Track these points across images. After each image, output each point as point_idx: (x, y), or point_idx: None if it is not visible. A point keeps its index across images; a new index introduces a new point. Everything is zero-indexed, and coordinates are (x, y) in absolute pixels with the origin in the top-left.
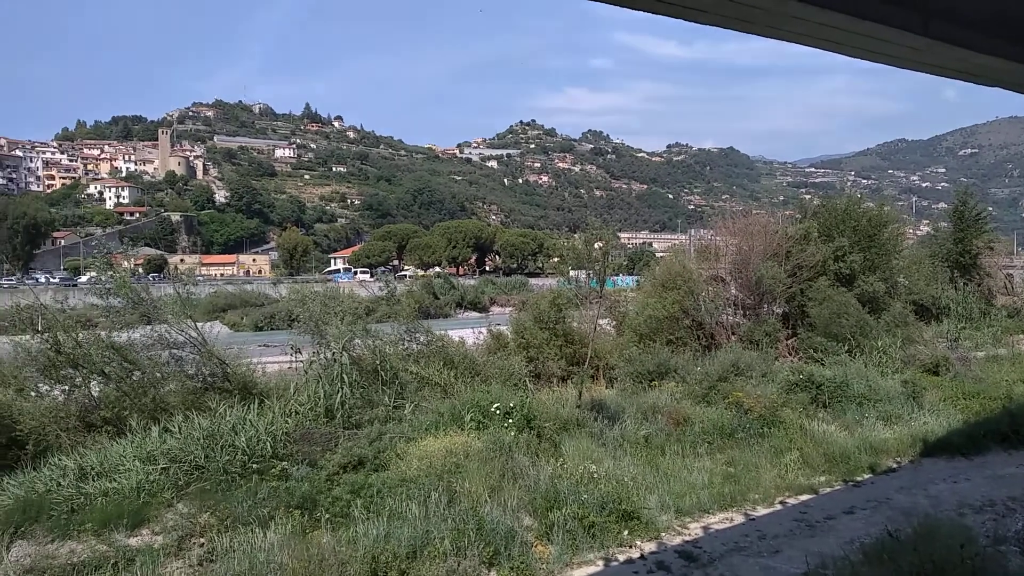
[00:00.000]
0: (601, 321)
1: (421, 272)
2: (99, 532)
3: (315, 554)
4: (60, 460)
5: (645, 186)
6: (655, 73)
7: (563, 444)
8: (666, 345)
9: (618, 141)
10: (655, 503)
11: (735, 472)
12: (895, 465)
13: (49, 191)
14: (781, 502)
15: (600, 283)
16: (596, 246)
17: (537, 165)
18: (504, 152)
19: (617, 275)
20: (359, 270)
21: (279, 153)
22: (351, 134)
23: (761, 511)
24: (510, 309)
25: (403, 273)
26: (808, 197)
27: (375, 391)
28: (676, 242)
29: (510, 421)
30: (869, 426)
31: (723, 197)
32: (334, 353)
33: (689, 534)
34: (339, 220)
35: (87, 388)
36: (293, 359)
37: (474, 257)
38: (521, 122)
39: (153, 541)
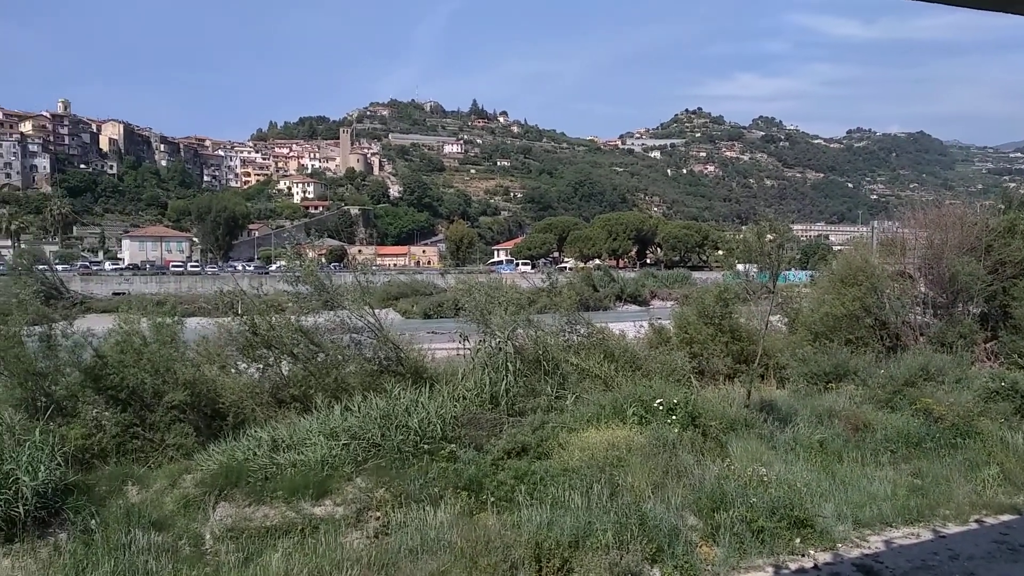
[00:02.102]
0: (772, 318)
1: (581, 264)
2: (288, 500)
3: (481, 535)
4: (256, 432)
5: (821, 175)
6: (833, 54)
7: (730, 444)
8: (844, 345)
9: (792, 127)
10: (831, 512)
11: (922, 485)
12: None
13: (245, 187)
14: (977, 520)
15: (772, 278)
16: (767, 238)
17: (702, 154)
18: (668, 142)
19: (789, 270)
20: (520, 262)
21: (448, 149)
22: (515, 129)
23: (952, 528)
24: (672, 303)
25: (563, 265)
26: (1013, 185)
27: (537, 380)
28: (856, 234)
29: (673, 417)
30: None
31: (911, 186)
32: (498, 342)
33: (868, 547)
34: (502, 213)
35: (278, 367)
36: (460, 346)
37: (635, 249)
38: (687, 110)
39: (335, 511)
